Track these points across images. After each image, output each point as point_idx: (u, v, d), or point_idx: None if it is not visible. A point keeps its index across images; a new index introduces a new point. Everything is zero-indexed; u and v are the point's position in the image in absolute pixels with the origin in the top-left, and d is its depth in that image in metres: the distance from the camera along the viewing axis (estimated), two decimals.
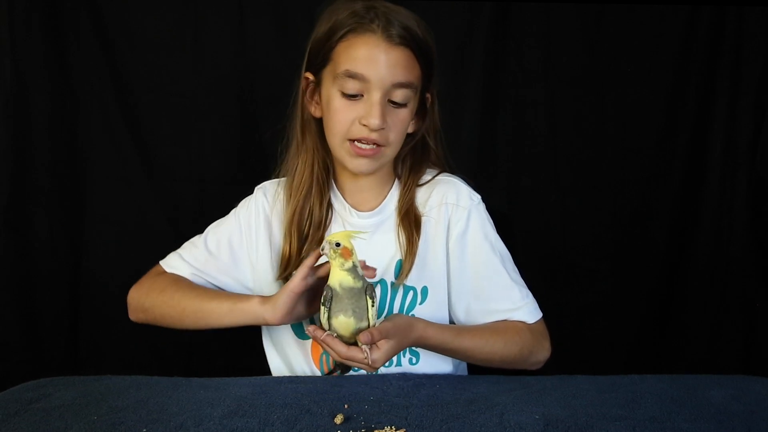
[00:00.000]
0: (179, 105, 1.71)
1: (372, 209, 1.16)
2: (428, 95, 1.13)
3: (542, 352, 1.14)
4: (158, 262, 1.21)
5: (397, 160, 1.16)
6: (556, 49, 1.73)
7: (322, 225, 1.14)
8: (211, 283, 1.19)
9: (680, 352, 1.79)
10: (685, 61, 1.72)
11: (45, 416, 0.92)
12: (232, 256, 1.18)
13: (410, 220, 1.13)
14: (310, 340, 1.16)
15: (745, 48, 1.69)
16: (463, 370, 1.23)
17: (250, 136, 1.73)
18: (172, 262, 1.20)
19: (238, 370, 1.09)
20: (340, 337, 0.99)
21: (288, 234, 1.13)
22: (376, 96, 1.04)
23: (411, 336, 1.02)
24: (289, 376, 1.06)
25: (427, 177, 1.18)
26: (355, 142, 1.07)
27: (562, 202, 1.77)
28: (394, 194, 1.16)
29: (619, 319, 1.79)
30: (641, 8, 1.70)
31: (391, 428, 0.88)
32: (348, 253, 0.95)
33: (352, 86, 1.04)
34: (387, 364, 1.06)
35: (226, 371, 1.08)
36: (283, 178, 1.18)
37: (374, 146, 1.07)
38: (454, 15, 1.69)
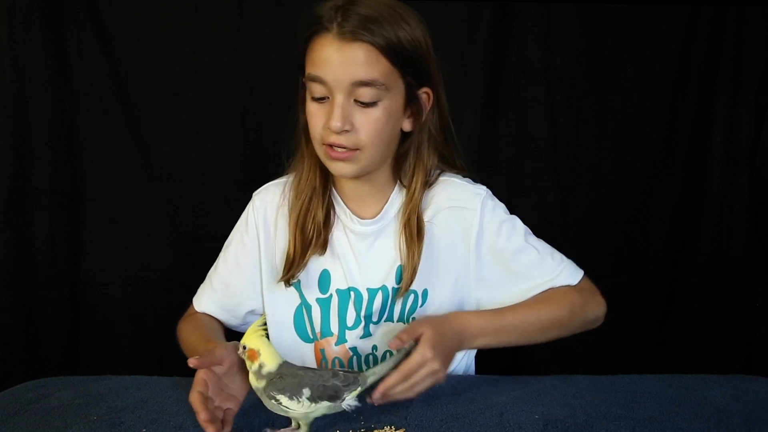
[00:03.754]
0: (179, 105, 1.70)
1: (373, 216, 1.14)
2: (426, 91, 1.08)
3: (597, 307, 1.14)
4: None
5: (398, 163, 1.13)
6: (556, 49, 1.71)
7: (325, 229, 1.13)
8: (241, 308, 1.21)
9: (680, 352, 1.79)
10: (685, 60, 1.71)
11: (44, 416, 0.92)
12: (244, 276, 1.19)
13: (412, 231, 1.10)
14: (313, 343, 1.16)
15: (745, 48, 1.68)
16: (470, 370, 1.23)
17: (250, 136, 1.72)
18: (201, 302, 1.24)
19: None
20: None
21: (292, 236, 1.13)
22: (337, 98, 1.00)
23: (451, 326, 1.01)
24: None
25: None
26: (331, 146, 1.04)
27: (562, 201, 1.76)
28: (395, 200, 1.14)
29: (619, 318, 1.68)
30: (642, 8, 1.69)
31: (391, 428, 0.89)
32: (253, 354, 0.90)
33: (317, 89, 1.02)
34: None
35: None
36: (288, 178, 1.17)
37: (346, 150, 1.03)
38: (455, 14, 1.68)
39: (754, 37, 1.68)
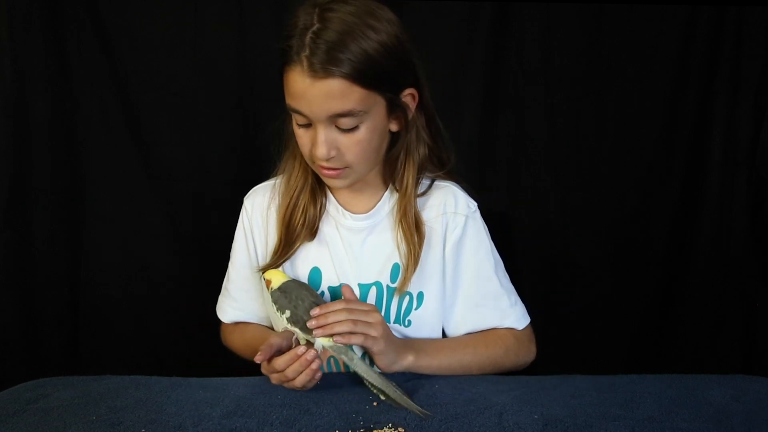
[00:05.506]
0: (179, 105, 1.70)
1: (366, 211, 1.15)
2: (410, 93, 1.06)
3: (528, 354, 1.18)
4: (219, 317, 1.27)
5: (389, 160, 1.13)
6: (555, 49, 1.71)
7: (314, 224, 1.14)
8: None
9: (679, 352, 1.79)
10: (685, 61, 1.71)
11: (44, 416, 0.92)
12: (257, 278, 1.20)
13: (410, 225, 1.11)
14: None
15: (745, 48, 1.68)
16: None
17: (250, 135, 1.73)
18: (227, 314, 1.25)
19: (237, 370, 1.10)
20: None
21: (279, 228, 1.14)
22: (318, 128, 1.00)
23: (404, 347, 1.07)
24: None
25: (425, 182, 1.16)
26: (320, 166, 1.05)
27: (562, 201, 1.76)
28: (387, 197, 1.15)
29: (619, 318, 1.78)
30: (641, 8, 1.69)
31: (390, 428, 0.89)
32: (267, 283, 1.06)
33: (299, 119, 1.03)
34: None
35: (226, 371, 1.09)
36: (276, 179, 1.18)
37: (336, 169, 1.05)
38: (454, 15, 1.68)
39: (753, 37, 1.68)
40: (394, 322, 1.14)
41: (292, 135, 1.09)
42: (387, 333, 1.04)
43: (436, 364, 1.08)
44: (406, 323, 1.15)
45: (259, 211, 1.18)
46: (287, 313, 1.01)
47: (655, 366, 1.78)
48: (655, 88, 1.73)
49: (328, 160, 1.03)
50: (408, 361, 1.06)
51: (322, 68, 0.95)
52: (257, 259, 1.19)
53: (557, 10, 1.70)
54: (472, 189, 1.20)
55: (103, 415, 0.92)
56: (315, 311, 0.99)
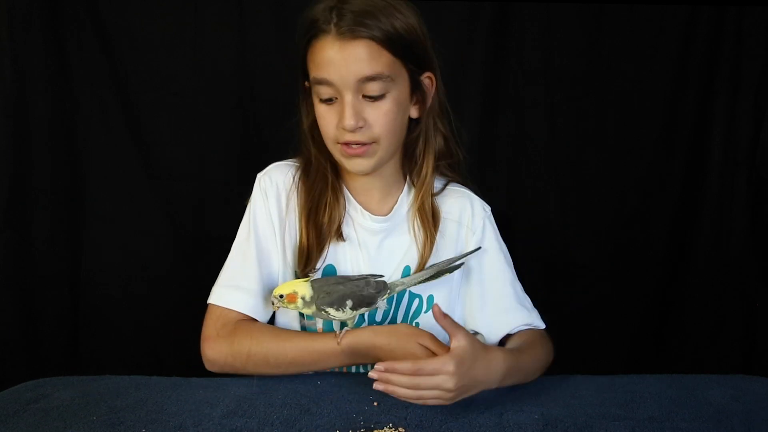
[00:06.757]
0: (179, 105, 1.70)
1: (385, 213, 1.15)
2: (428, 75, 1.09)
3: (552, 353, 1.17)
4: (210, 303, 1.10)
5: (406, 151, 1.14)
6: (555, 49, 1.71)
7: (340, 223, 1.13)
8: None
9: (680, 352, 1.79)
10: (684, 61, 1.70)
11: (44, 416, 0.92)
12: (269, 261, 1.13)
13: (427, 214, 1.12)
14: None
15: (745, 48, 1.68)
16: None
17: (251, 136, 1.72)
18: (230, 299, 1.10)
19: None
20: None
21: (305, 227, 1.11)
22: (346, 97, 1.01)
23: (487, 362, 0.97)
24: (289, 376, 1.06)
25: (437, 185, 1.17)
26: (347, 144, 1.05)
27: (562, 201, 1.76)
28: (405, 198, 1.15)
29: (619, 318, 1.78)
30: (641, 8, 1.68)
31: (390, 428, 0.89)
32: (293, 297, 1.03)
33: (324, 92, 1.03)
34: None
35: None
36: (293, 162, 1.16)
37: (362, 145, 1.05)
38: (454, 14, 1.68)
39: (753, 37, 1.67)
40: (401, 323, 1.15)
41: (307, 135, 1.10)
42: (461, 384, 0.92)
43: (512, 383, 1.03)
44: (414, 325, 1.14)
45: (284, 187, 1.13)
46: (349, 303, 1.03)
47: (655, 366, 1.78)
48: (655, 88, 1.72)
49: (354, 132, 1.02)
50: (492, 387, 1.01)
51: (351, 31, 0.99)
52: (279, 231, 1.12)
53: (557, 10, 1.69)
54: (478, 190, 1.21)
55: (103, 415, 0.92)
56: (380, 366, 0.92)
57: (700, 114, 1.73)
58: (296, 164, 1.16)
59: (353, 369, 1.14)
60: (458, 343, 0.93)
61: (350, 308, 1.03)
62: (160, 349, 1.74)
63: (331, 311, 1.03)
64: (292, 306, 1.04)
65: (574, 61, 1.72)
